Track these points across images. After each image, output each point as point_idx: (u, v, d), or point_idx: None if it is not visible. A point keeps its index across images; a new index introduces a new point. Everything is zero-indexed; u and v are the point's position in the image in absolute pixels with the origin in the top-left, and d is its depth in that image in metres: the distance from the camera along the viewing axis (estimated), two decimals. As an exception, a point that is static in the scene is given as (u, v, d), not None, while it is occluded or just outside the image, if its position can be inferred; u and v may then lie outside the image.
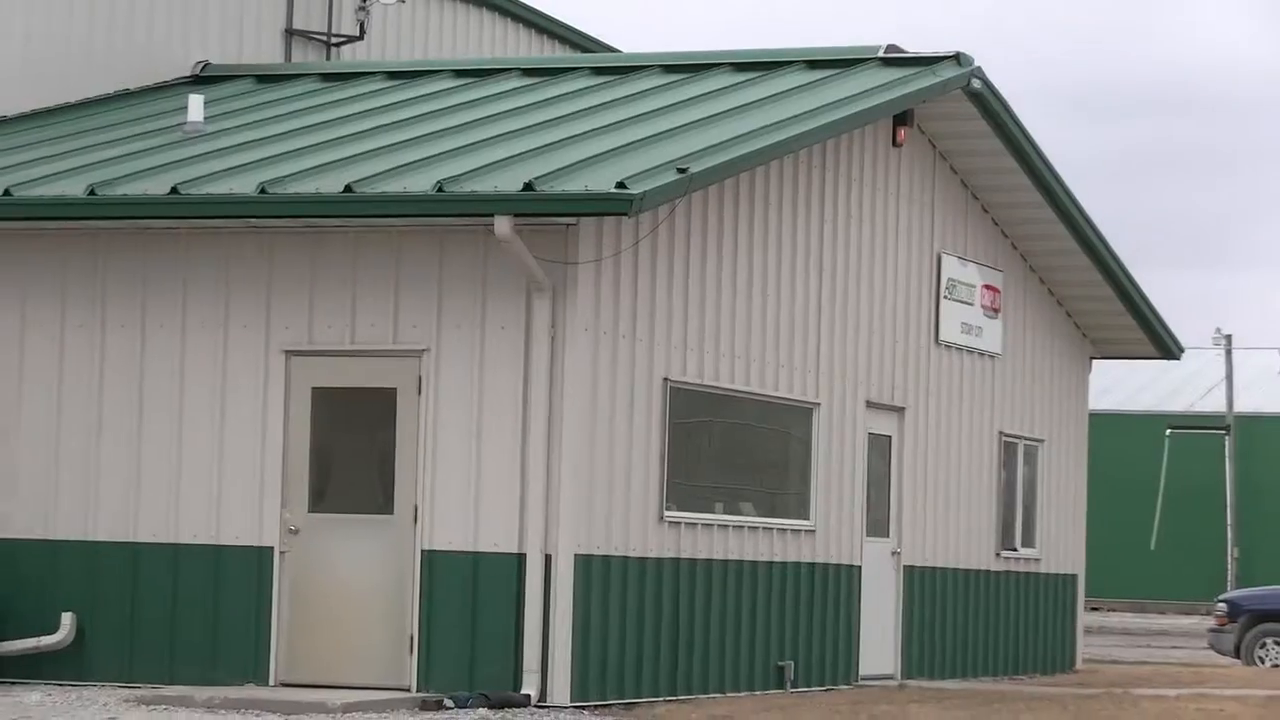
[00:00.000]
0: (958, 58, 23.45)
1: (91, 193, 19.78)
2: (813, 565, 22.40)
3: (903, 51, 23.80)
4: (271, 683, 19.33)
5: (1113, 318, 27.74)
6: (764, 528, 21.65)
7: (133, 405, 19.97)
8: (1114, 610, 50.77)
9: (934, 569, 24.73)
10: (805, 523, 22.31)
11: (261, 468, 19.62)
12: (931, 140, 24.67)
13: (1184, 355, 29.99)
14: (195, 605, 19.66)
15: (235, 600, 19.56)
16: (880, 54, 23.75)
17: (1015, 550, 26.42)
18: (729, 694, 20.72)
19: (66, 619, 19.87)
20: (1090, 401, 28.73)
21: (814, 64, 23.80)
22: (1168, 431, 55.62)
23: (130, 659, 19.72)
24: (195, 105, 21.93)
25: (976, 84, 23.60)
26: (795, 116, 21.48)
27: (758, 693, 21.09)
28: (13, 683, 19.58)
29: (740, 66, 23.99)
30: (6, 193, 19.92)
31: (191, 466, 19.79)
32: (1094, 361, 28.59)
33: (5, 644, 19.88)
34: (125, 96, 24.16)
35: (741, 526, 21.32)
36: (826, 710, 19.33)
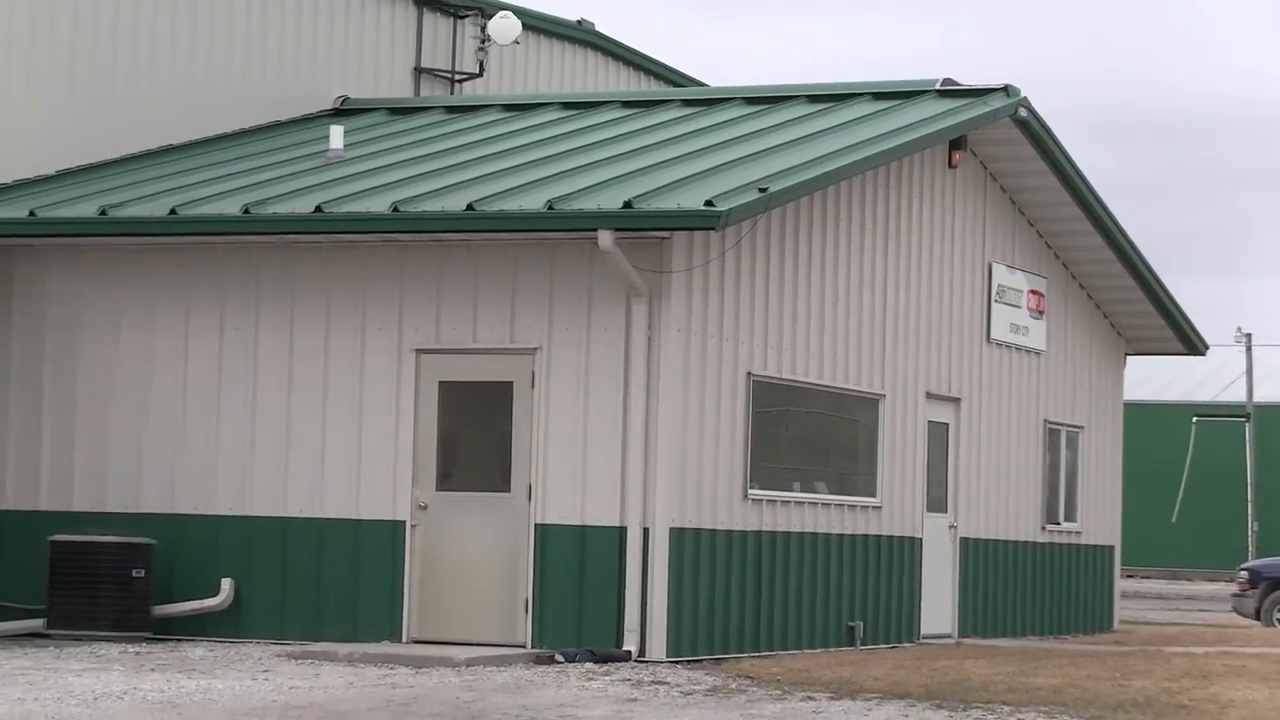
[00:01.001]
0: (1006, 89, 23.42)
1: (246, 211, 19.91)
2: (879, 537, 22.39)
3: (957, 84, 23.76)
4: (404, 640, 19.42)
5: (1144, 319, 27.63)
6: (836, 504, 21.65)
7: (282, 398, 20.08)
8: (1147, 577, 50.46)
9: (987, 541, 24.67)
10: (872, 500, 22.30)
11: (395, 452, 19.69)
12: (983, 162, 24.61)
13: (1209, 351, 29.81)
14: (338, 572, 19.76)
15: (372, 568, 19.65)
16: (937, 87, 23.71)
17: (1059, 524, 26.35)
18: (805, 650, 20.71)
19: (226, 584, 19.99)
20: (1125, 392, 28.60)
21: (879, 95, 23.79)
22: (1194, 419, 55.29)
23: (281, 619, 19.83)
24: (336, 134, 22.03)
25: (1023, 113, 23.58)
26: (862, 142, 21.50)
27: (831, 649, 21.09)
28: (179, 639, 19.77)
29: (813, 98, 23.98)
30: (172, 211, 20.09)
31: (334, 451, 19.88)
32: (1128, 357, 28.45)
33: (172, 606, 20.07)
34: (275, 127, 24.30)
35: (816, 503, 21.32)
36: (892, 665, 19.28)
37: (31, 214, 20.40)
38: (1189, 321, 27.88)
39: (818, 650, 20.84)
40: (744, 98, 24.40)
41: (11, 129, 21.44)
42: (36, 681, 15.89)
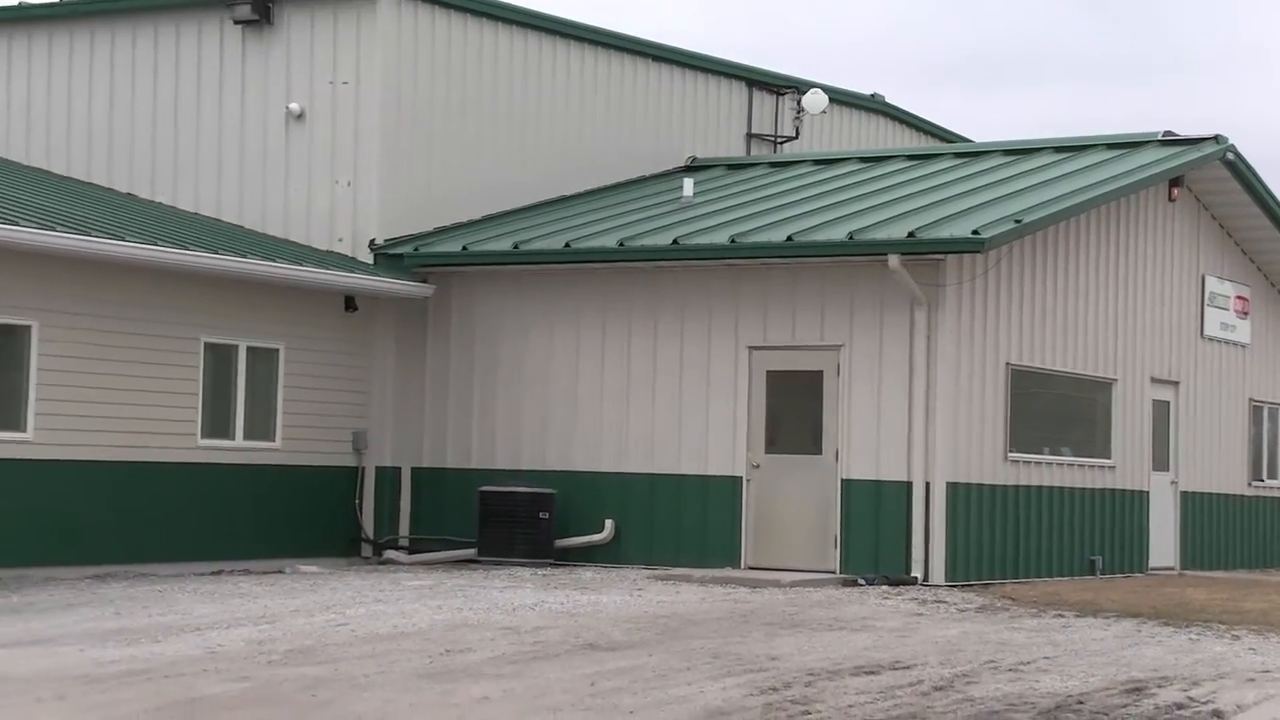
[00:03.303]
0: (1216, 138, 23.00)
1: (621, 244, 20.24)
2: (1114, 490, 22.11)
3: (1175, 135, 23.38)
4: (742, 567, 19.54)
5: (1333, 317, 26.91)
6: (1078, 464, 21.42)
7: (648, 385, 20.31)
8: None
9: (1202, 494, 24.18)
10: (1107, 461, 22.03)
11: (734, 423, 19.84)
12: (1197, 196, 24.16)
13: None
14: (692, 515, 19.93)
15: (718, 512, 19.80)
16: (1159, 137, 23.37)
17: (1262, 481, 25.70)
18: (1055, 578, 20.54)
19: (608, 523, 20.27)
20: (1317, 376, 27.83)
21: (1110, 145, 23.50)
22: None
23: (649, 549, 20.02)
24: (687, 185, 22.34)
25: (1230, 156, 23.12)
26: (1097, 182, 21.23)
27: (1075, 578, 20.87)
28: (574, 565, 20.07)
29: (1058, 149, 23.74)
30: (566, 245, 20.47)
31: (688, 424, 20.08)
32: (1319, 348, 27.68)
33: (568, 539, 20.35)
34: (641, 180, 24.56)
35: (1062, 463, 21.11)
36: (1126, 590, 18.98)
37: (464, 249, 20.92)
38: (1370, 319, 27.05)
39: (1065, 578, 20.65)
40: (1002, 150, 24.22)
41: (451, 186, 21.97)
42: (471, 595, 16.33)
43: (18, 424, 17.82)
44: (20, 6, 23.17)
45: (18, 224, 17.42)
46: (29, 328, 17.90)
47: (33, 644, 12.68)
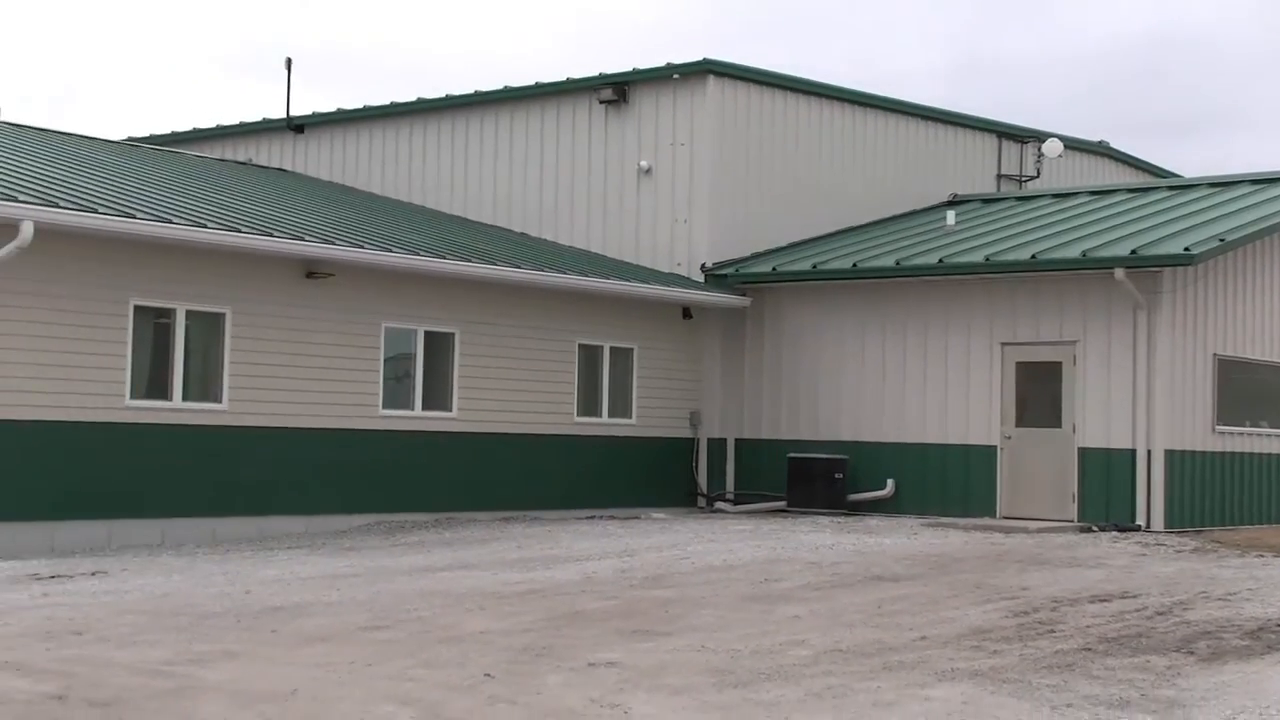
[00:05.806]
0: (1393, 165, 21.52)
1: (897, 264, 20.05)
2: (1307, 457, 20.98)
3: (1359, 164, 21.97)
4: (997, 517, 19.18)
5: None
6: (1275, 435, 20.33)
7: (920, 373, 20.07)
8: None
9: (1384, 461, 22.68)
10: (1301, 433, 20.92)
11: (989, 403, 19.49)
12: (1377, 214, 22.65)
13: None
14: (956, 475, 19.63)
15: (978, 473, 19.47)
16: (1345, 166, 21.99)
17: None
18: (1256, 525, 19.56)
19: (889, 482, 20.05)
20: None
21: (1304, 176, 22.28)
22: None
23: (922, 503, 19.79)
24: (950, 216, 22.04)
25: None
26: (1290, 205, 20.23)
27: (1273, 525, 19.78)
28: (862, 515, 19.89)
29: (1256, 182, 22.59)
30: (854, 265, 20.32)
31: (953, 404, 19.78)
32: None
33: (858, 495, 20.16)
34: (912, 214, 24.28)
35: (1261, 434, 20.08)
36: (1318, 536, 18.07)
37: (774, 269, 20.98)
38: None
39: (1265, 526, 19.63)
40: (1208, 183, 23.19)
41: (763, 220, 22.08)
42: (782, 537, 16.41)
43: (446, 405, 18.60)
44: (448, 97, 24.19)
45: (444, 258, 18.18)
46: (453, 335, 18.66)
47: (460, 568, 13.22)
